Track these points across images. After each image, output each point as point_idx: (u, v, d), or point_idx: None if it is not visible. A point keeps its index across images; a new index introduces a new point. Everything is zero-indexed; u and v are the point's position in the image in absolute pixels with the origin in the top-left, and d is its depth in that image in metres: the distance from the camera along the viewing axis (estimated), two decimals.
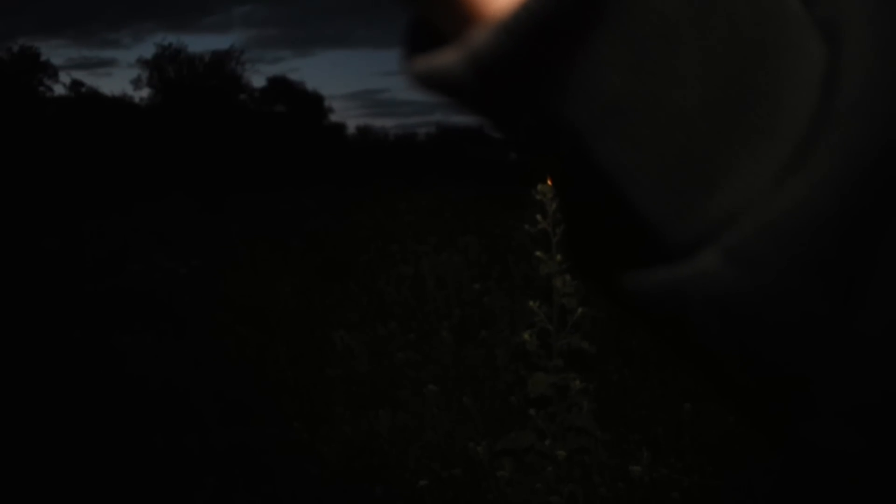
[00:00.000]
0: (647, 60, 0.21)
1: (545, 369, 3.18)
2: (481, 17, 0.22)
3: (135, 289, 6.10)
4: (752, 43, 0.22)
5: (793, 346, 0.24)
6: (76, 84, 40.49)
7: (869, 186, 0.22)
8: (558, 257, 3.20)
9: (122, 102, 36.34)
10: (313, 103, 49.02)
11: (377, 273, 5.52)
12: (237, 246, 7.20)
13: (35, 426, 3.58)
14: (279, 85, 49.34)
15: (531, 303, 3.17)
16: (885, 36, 0.23)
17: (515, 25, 0.20)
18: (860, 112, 0.22)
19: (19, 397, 3.92)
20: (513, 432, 3.15)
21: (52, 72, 41.13)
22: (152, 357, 4.55)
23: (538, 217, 3.18)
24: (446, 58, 0.22)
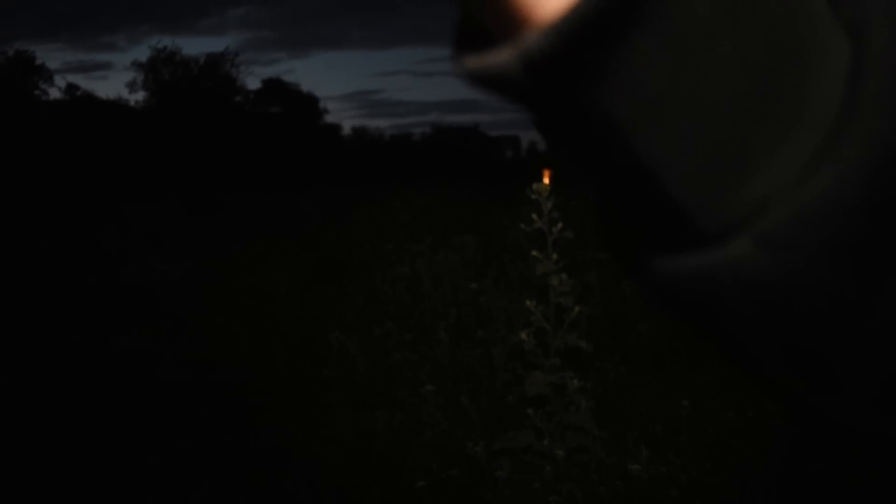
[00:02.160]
0: (685, 57, 0.23)
1: (542, 368, 3.18)
2: (532, 19, 0.24)
3: (131, 290, 6.09)
4: (782, 40, 0.24)
5: (821, 328, 0.25)
6: (71, 87, 40.46)
7: (893, 174, 0.24)
8: (554, 256, 3.20)
9: (116, 105, 36.33)
10: (308, 104, 49.04)
11: (373, 273, 5.52)
12: (233, 247, 7.20)
13: (32, 427, 3.57)
14: (274, 86, 49.36)
15: (528, 302, 3.17)
16: None
17: (566, 27, 0.22)
18: (883, 104, 0.24)
19: (16, 399, 3.91)
20: (511, 432, 3.15)
21: (48, 75, 41.12)
22: (148, 358, 4.55)
23: (534, 216, 3.18)
24: (500, 56, 0.23)
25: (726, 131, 0.23)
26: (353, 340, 4.34)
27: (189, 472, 3.18)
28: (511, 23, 0.24)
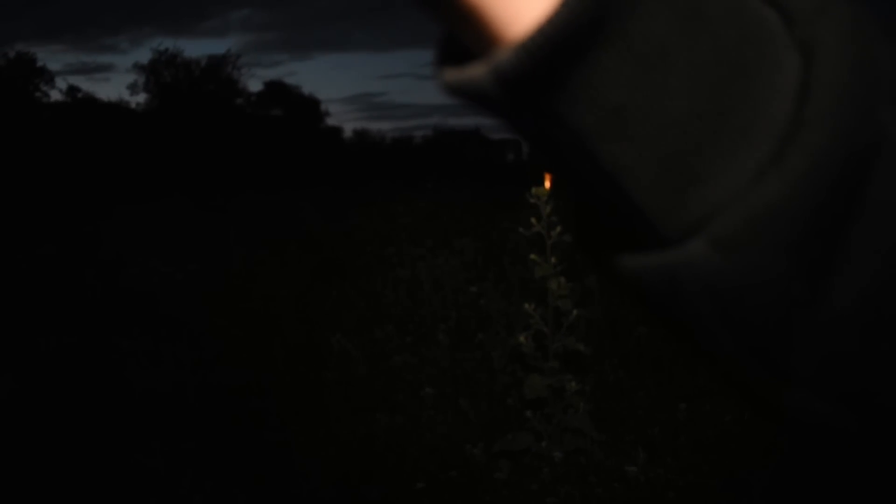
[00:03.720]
0: (644, 74, 0.25)
1: (541, 371, 3.20)
2: (504, 37, 0.26)
3: (132, 292, 6.11)
4: (735, 58, 0.26)
5: (773, 323, 0.27)
6: (72, 89, 40.47)
7: (837, 181, 0.26)
8: (553, 260, 3.22)
9: (118, 107, 36.31)
10: (310, 107, 49.00)
11: (374, 276, 5.53)
12: (234, 250, 7.21)
13: (33, 429, 3.58)
14: (276, 89, 49.33)
15: (527, 305, 3.18)
16: (853, 54, 0.27)
17: (533, 47, 0.24)
18: (828, 118, 0.26)
19: (17, 401, 3.93)
20: (509, 434, 3.17)
21: (49, 77, 41.11)
22: (149, 360, 4.56)
23: (533, 220, 3.20)
24: (474, 72, 0.26)
25: (683, 141, 0.26)
26: (353, 343, 4.36)
27: (190, 474, 3.19)
28: (486, 41, 0.27)
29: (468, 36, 0.27)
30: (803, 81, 0.26)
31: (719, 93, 0.26)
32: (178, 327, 5.20)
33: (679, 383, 3.70)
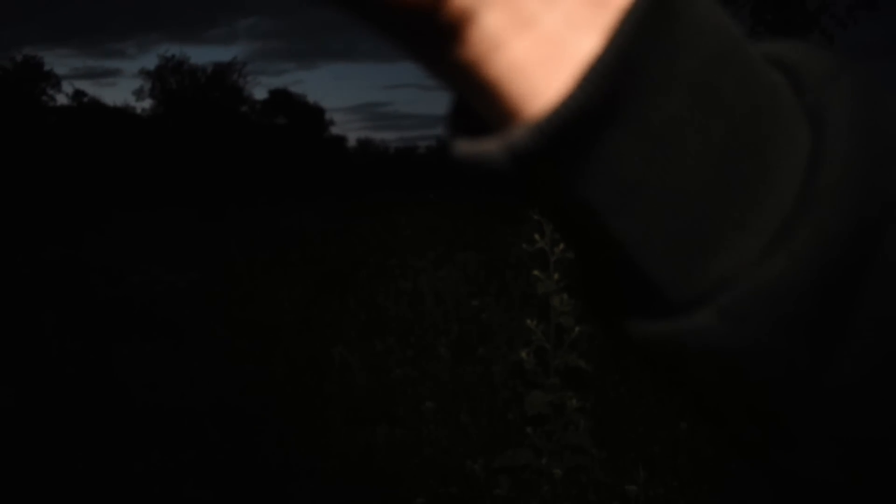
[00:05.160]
0: (658, 152, 0.25)
1: (542, 387, 3.19)
2: (519, 114, 0.26)
3: (134, 300, 6.11)
4: (748, 132, 0.26)
5: (776, 392, 0.28)
6: (78, 94, 40.58)
7: (845, 257, 0.26)
8: (556, 276, 3.22)
9: (123, 113, 36.40)
10: (314, 116, 49.12)
11: (376, 288, 5.53)
12: (236, 259, 7.22)
13: (33, 436, 3.58)
14: (280, 97, 49.46)
15: (528, 321, 3.18)
16: (863, 125, 0.27)
17: (549, 127, 0.24)
18: (837, 193, 0.26)
19: (18, 407, 3.92)
20: (510, 450, 3.16)
21: (55, 81, 41.24)
22: (150, 369, 4.56)
23: (536, 236, 3.20)
24: (488, 146, 0.26)
25: (695, 215, 0.26)
26: (354, 355, 4.36)
27: (190, 484, 3.19)
28: (500, 115, 0.27)
29: (482, 107, 0.28)
30: (813, 154, 0.27)
31: (732, 167, 0.26)
32: (180, 336, 5.20)
33: (680, 402, 3.69)
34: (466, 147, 0.27)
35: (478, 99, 0.27)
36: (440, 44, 0.26)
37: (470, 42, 0.26)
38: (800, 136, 0.27)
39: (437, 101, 0.28)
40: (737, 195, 0.26)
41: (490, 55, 0.26)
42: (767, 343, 0.26)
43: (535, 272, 3.26)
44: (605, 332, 0.31)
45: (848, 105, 0.27)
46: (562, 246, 3.21)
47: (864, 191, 0.26)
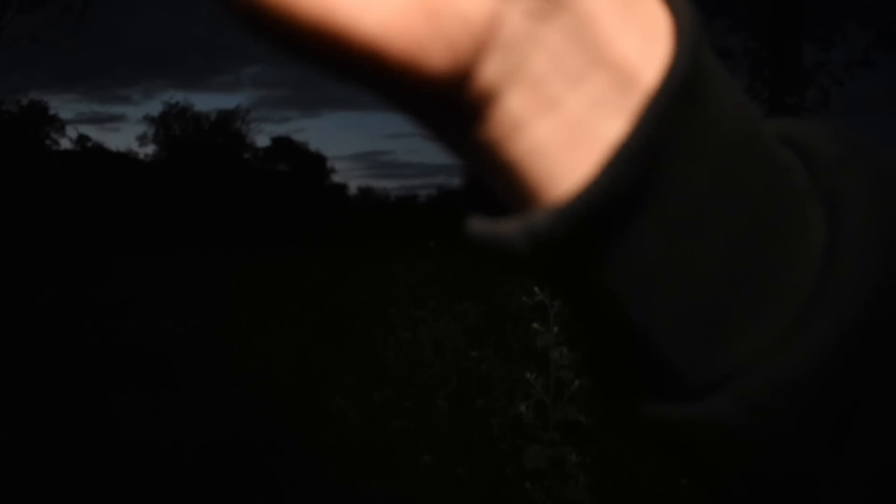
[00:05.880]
0: (679, 239, 0.25)
1: (541, 441, 3.16)
2: (539, 197, 0.26)
3: (131, 347, 6.08)
4: (766, 216, 0.26)
5: (790, 475, 0.28)
6: (82, 138, 40.94)
7: (863, 348, 0.26)
8: (555, 329, 3.21)
9: (126, 158, 36.66)
10: (316, 163, 49.49)
11: (374, 337, 5.51)
12: (235, 305, 7.20)
13: (27, 484, 3.53)
14: (283, 145, 49.88)
15: (528, 374, 3.17)
16: (879, 211, 0.27)
17: (571, 213, 0.24)
18: (855, 283, 0.26)
19: (12, 453, 3.88)
20: None
21: (59, 125, 41.63)
22: (145, 416, 4.52)
23: (535, 289, 3.20)
24: (507, 228, 0.26)
25: (713, 300, 0.26)
26: (351, 406, 4.32)
27: None
28: (520, 197, 0.26)
29: (500, 187, 0.27)
30: (830, 242, 0.27)
31: (750, 253, 0.26)
32: (175, 383, 5.17)
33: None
34: (483, 227, 0.27)
35: (496, 179, 0.27)
36: (461, 123, 0.26)
37: (492, 122, 0.25)
38: (815, 222, 0.27)
39: (438, 151, 0.27)
40: (755, 281, 0.26)
41: (512, 136, 0.25)
42: (784, 430, 0.26)
43: (535, 325, 3.26)
44: (614, 413, 0.31)
45: (862, 190, 0.28)
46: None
47: (882, 278, 0.26)
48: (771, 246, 0.26)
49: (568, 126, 0.25)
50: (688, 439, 0.28)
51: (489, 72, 0.24)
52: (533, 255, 0.25)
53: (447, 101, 0.24)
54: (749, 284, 0.26)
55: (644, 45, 0.25)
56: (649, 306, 0.26)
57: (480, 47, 0.23)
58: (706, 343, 0.26)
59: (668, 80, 0.24)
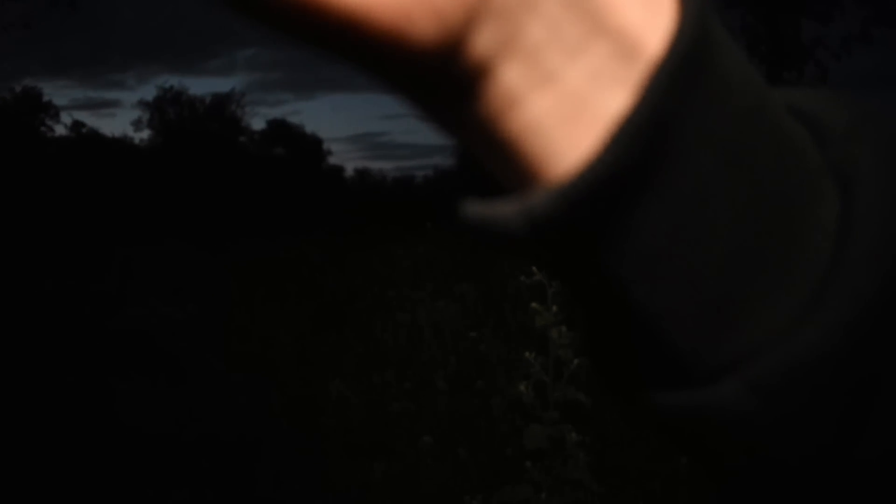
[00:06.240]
0: (686, 219, 0.24)
1: (541, 421, 3.17)
2: (539, 177, 0.24)
3: (131, 333, 6.08)
4: (776, 196, 0.25)
5: (800, 462, 0.27)
6: (77, 124, 40.82)
7: (878, 329, 0.25)
8: (554, 308, 3.21)
9: (121, 144, 36.56)
10: (312, 146, 49.39)
11: (373, 320, 5.51)
12: (234, 291, 7.20)
13: (25, 471, 3.54)
14: (278, 128, 49.76)
15: (527, 354, 3.17)
16: (894, 183, 0.26)
17: (573, 193, 0.22)
18: (870, 261, 0.25)
19: (11, 440, 3.89)
20: (508, 485, 3.13)
21: (54, 112, 41.48)
22: (146, 403, 4.53)
23: (534, 268, 3.20)
24: (503, 209, 0.24)
25: (723, 283, 0.24)
26: (351, 389, 4.33)
27: None
28: (517, 176, 0.25)
29: (496, 166, 0.26)
30: (844, 217, 0.25)
31: (761, 231, 0.25)
32: (176, 368, 5.17)
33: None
34: (478, 209, 0.25)
35: (492, 158, 0.26)
36: (452, 99, 0.24)
37: (485, 98, 0.24)
38: (827, 196, 0.26)
39: (434, 131, 0.26)
40: (766, 261, 0.25)
41: (507, 112, 0.24)
42: (797, 415, 0.25)
43: (534, 304, 3.25)
44: (616, 400, 0.29)
45: (875, 161, 0.26)
46: None
47: None
48: (782, 223, 0.25)
49: (567, 100, 0.23)
50: (694, 426, 0.27)
51: (481, 43, 0.23)
52: (530, 237, 0.24)
53: (437, 75, 0.23)
54: (759, 264, 0.25)
55: (646, 11, 0.23)
56: (655, 291, 0.25)
57: (471, 16, 0.22)
58: (714, 327, 0.25)
59: (674, 49, 0.22)
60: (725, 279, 0.24)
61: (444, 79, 0.23)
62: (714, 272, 0.24)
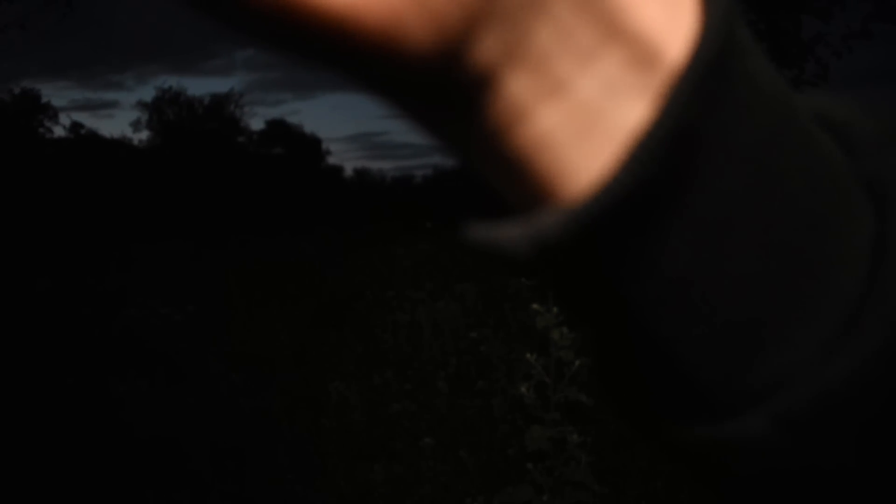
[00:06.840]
0: (710, 242, 0.22)
1: (542, 422, 3.16)
2: (548, 197, 0.22)
3: (130, 334, 6.07)
4: (805, 215, 0.23)
5: (824, 494, 0.25)
6: (76, 126, 40.83)
7: None
8: (555, 309, 3.19)
9: (120, 144, 36.58)
10: (311, 146, 49.44)
11: (373, 320, 5.50)
12: (233, 291, 7.19)
13: (26, 472, 3.53)
14: (277, 128, 49.80)
15: (528, 355, 3.16)
16: None
17: (587, 216, 0.20)
18: None
19: (10, 441, 3.87)
20: (510, 486, 3.12)
21: (53, 113, 41.47)
22: (146, 404, 4.51)
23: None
24: (509, 232, 0.22)
25: (748, 309, 0.22)
26: (351, 390, 4.32)
27: None
28: (524, 197, 0.23)
29: (501, 185, 0.24)
30: (878, 236, 0.23)
31: (788, 253, 0.22)
32: (175, 370, 5.16)
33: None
34: (483, 231, 0.23)
35: (496, 175, 0.23)
36: (453, 112, 0.22)
37: (489, 111, 0.21)
38: (861, 213, 0.24)
39: None
40: (794, 284, 0.22)
41: (514, 126, 0.22)
42: (825, 450, 0.23)
43: (535, 305, 3.24)
44: (631, 429, 0.27)
45: None
46: None
47: None
48: (811, 245, 0.23)
49: (579, 112, 0.21)
50: (715, 460, 0.25)
51: (484, 50, 0.20)
52: (538, 262, 0.22)
53: (434, 86, 0.21)
54: (788, 289, 0.23)
55: (666, 13, 0.21)
56: (674, 319, 0.22)
57: (472, 19, 0.19)
58: (738, 356, 0.23)
59: (698, 55, 0.20)
60: (750, 305, 0.22)
61: (443, 90, 0.21)
62: (739, 298, 0.22)
